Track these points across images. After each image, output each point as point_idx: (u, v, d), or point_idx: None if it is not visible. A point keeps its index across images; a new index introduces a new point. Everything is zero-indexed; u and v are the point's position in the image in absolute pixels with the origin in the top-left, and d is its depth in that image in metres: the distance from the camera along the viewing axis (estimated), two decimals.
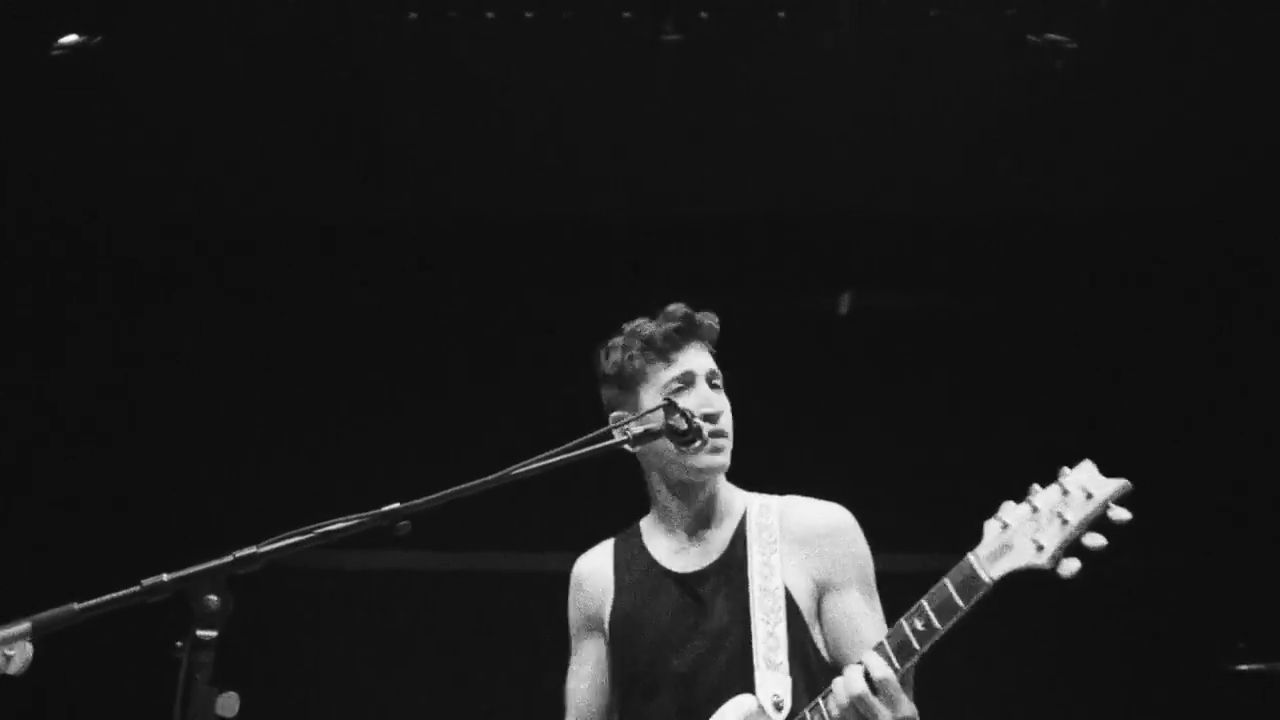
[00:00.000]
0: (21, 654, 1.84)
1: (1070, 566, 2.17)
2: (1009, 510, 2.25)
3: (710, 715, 2.52)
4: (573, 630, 2.83)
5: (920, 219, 5.81)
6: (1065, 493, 2.20)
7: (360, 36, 4.78)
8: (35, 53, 4.74)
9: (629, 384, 2.69)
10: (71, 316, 5.87)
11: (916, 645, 2.26)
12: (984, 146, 5.31)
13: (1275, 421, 5.64)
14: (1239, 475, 5.65)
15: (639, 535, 2.79)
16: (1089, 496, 2.19)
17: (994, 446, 5.71)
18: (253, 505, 5.30)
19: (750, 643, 2.55)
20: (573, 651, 2.82)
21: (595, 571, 2.80)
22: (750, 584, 2.60)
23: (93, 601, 1.90)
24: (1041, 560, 2.18)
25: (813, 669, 2.58)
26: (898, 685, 2.26)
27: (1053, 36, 4.61)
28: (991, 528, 2.25)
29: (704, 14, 4.66)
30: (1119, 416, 5.76)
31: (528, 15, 4.66)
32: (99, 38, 4.78)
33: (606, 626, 2.73)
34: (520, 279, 5.93)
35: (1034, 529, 2.20)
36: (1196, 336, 5.77)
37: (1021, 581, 2.23)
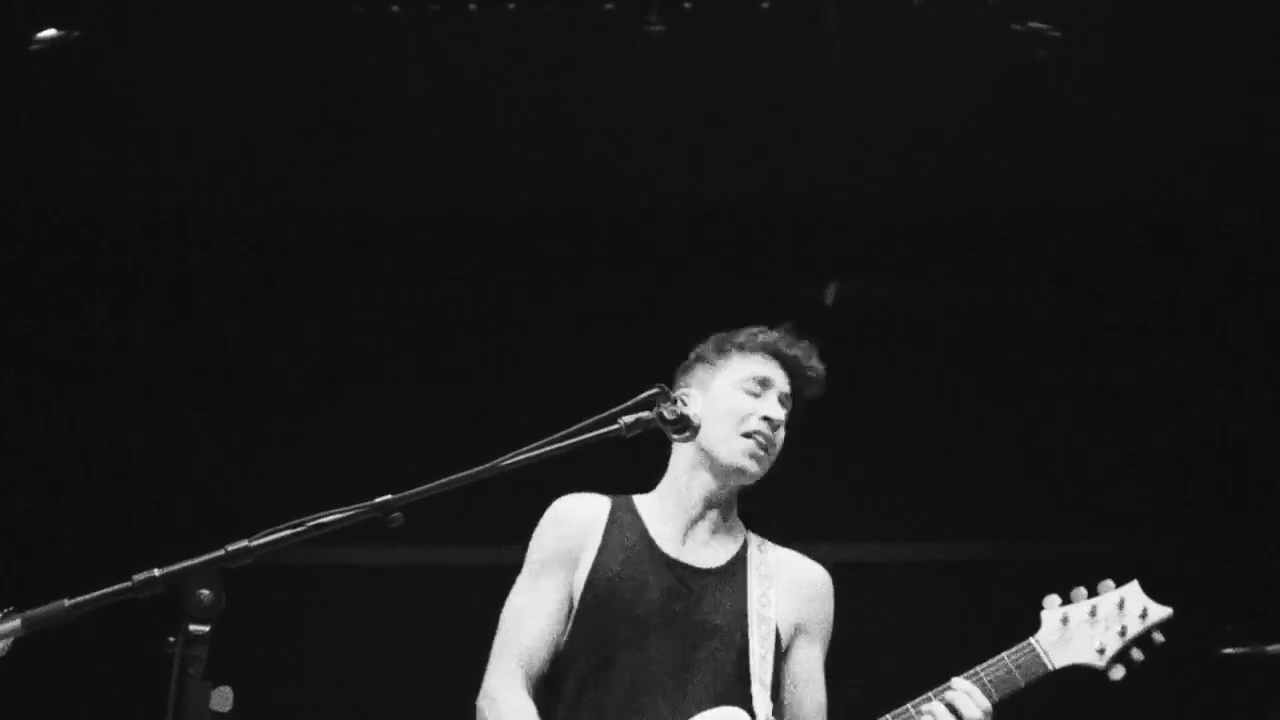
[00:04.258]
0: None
1: (1118, 673, 2.61)
2: (1063, 607, 2.65)
3: (694, 709, 2.55)
4: (537, 559, 2.75)
5: (905, 209, 5.83)
6: (1121, 607, 2.64)
7: (342, 28, 4.76)
8: (16, 47, 4.71)
9: (717, 360, 2.80)
10: (55, 311, 5.84)
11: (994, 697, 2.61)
12: (968, 136, 5.33)
13: (1264, 404, 5.68)
14: (1226, 459, 5.69)
15: (634, 508, 2.79)
16: (1143, 617, 2.64)
17: (980, 438, 5.74)
18: (244, 499, 5.28)
19: (748, 658, 2.59)
20: (528, 578, 2.74)
21: (586, 514, 2.76)
22: (749, 602, 2.64)
23: (84, 597, 1.88)
24: (1102, 663, 2.61)
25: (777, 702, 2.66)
26: None
27: (1036, 25, 4.63)
28: (1050, 618, 2.65)
29: (687, 4, 4.65)
30: (1106, 406, 5.80)
31: (510, 6, 4.64)
32: (76, 33, 4.75)
33: (582, 577, 2.69)
34: (507, 270, 5.92)
35: (1092, 633, 2.62)
36: (1184, 325, 5.80)
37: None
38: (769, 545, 2.82)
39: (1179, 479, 5.69)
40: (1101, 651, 2.60)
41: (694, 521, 2.74)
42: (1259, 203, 5.63)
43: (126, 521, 5.53)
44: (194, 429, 5.77)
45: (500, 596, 5.72)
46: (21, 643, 1.85)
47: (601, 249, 5.81)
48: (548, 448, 2.24)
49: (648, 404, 2.46)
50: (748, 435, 2.68)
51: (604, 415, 2.43)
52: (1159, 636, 2.65)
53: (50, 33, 4.73)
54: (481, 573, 5.83)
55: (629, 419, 2.42)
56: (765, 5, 4.64)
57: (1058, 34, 4.61)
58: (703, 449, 2.71)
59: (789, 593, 2.73)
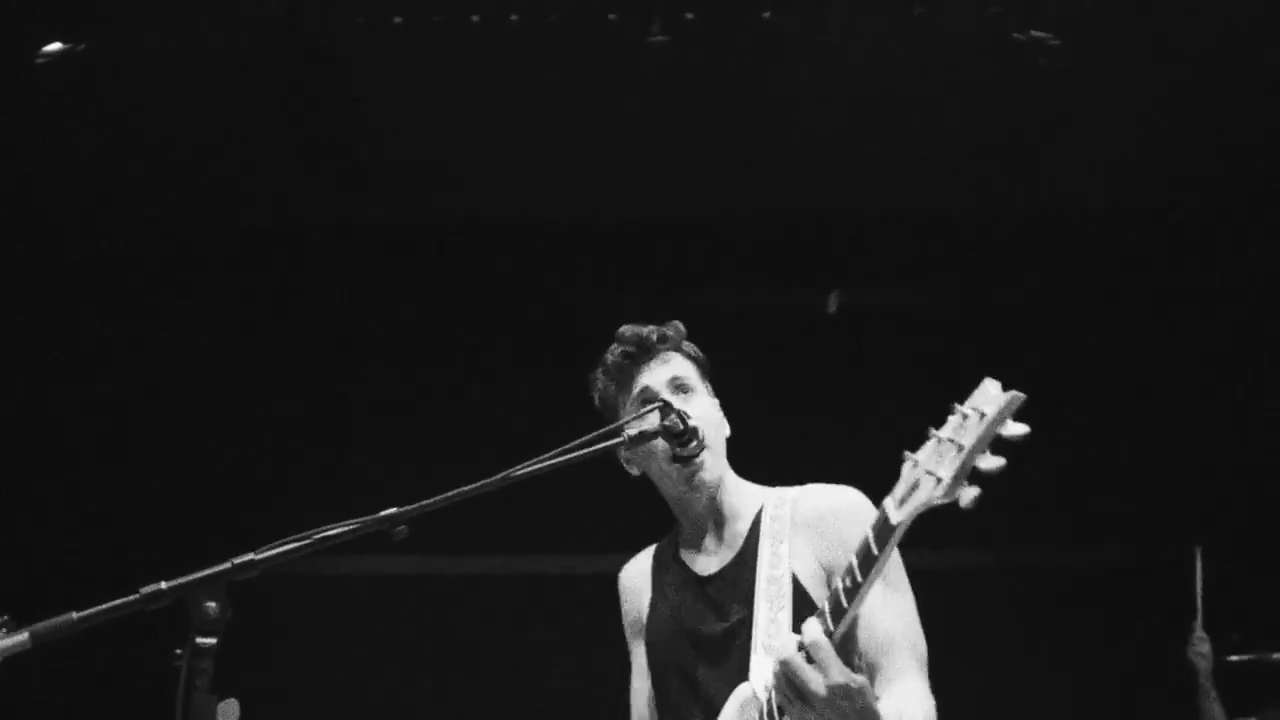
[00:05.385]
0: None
1: (968, 495, 1.88)
2: (922, 448, 1.99)
3: (718, 711, 2.51)
4: (628, 639, 2.85)
5: (906, 216, 5.84)
6: (964, 418, 1.92)
7: (345, 41, 4.77)
8: (20, 59, 4.73)
9: (610, 413, 2.72)
10: (65, 324, 5.85)
11: (845, 604, 2.09)
12: (968, 144, 5.34)
13: (1267, 409, 5.69)
14: (1237, 466, 5.69)
15: (675, 541, 2.77)
16: (981, 416, 1.89)
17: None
18: (250, 511, 5.28)
19: (752, 629, 2.52)
20: (631, 656, 2.84)
21: (634, 579, 2.82)
22: (758, 575, 2.57)
23: (91, 610, 1.88)
24: (939, 494, 1.91)
25: None
26: (830, 650, 2.09)
27: (1036, 34, 4.64)
28: (905, 468, 2.01)
29: (689, 15, 4.66)
30: (1115, 411, 5.80)
31: (513, 18, 4.66)
32: (82, 45, 4.77)
33: (644, 632, 2.75)
34: (510, 280, 5.93)
35: (935, 462, 1.94)
36: (1185, 332, 5.81)
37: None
38: (788, 494, 2.62)
39: (1187, 487, 5.68)
40: (939, 480, 1.91)
41: (704, 530, 2.69)
42: (1259, 205, 5.64)
43: (132, 534, 5.54)
44: (200, 442, 5.77)
45: (514, 604, 5.72)
46: (29, 655, 1.85)
47: (604, 257, 5.82)
48: (554, 460, 2.24)
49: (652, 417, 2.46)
50: (673, 459, 2.56)
51: (610, 428, 2.44)
52: (1014, 429, 1.88)
53: (56, 46, 4.74)
54: (495, 581, 5.87)
55: (632, 432, 2.43)
56: (766, 15, 4.65)
57: (1057, 42, 4.62)
58: (661, 484, 2.68)
59: (800, 536, 2.53)
